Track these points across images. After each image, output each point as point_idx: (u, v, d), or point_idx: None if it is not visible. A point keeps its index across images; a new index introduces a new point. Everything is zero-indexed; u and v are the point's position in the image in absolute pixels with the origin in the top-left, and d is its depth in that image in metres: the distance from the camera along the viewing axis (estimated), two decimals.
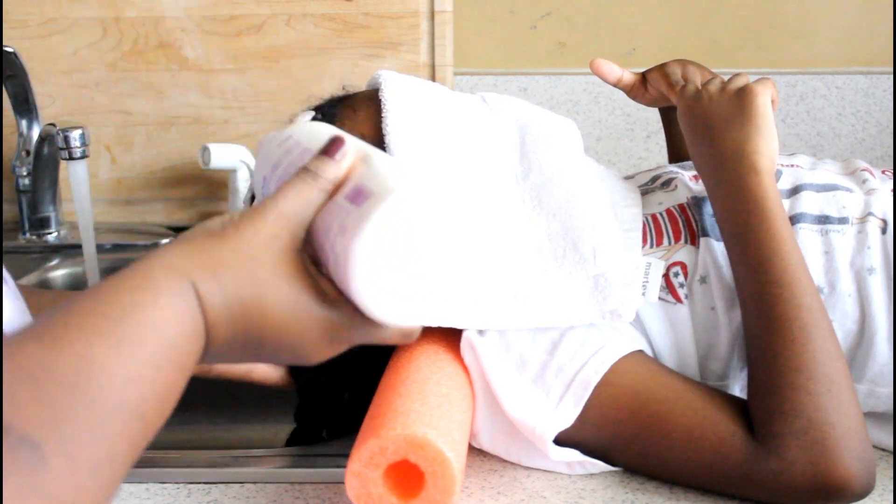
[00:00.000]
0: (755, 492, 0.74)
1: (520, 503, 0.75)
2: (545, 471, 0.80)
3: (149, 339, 0.45)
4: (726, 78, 0.88)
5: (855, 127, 1.43)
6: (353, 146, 0.57)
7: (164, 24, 1.39)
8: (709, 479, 0.76)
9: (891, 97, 1.41)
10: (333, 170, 0.54)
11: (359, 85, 1.01)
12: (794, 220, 0.85)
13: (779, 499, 0.73)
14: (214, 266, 0.50)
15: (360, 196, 0.53)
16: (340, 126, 0.86)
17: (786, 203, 0.87)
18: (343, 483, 0.76)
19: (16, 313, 0.53)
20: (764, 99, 0.84)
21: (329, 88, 1.40)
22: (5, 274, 0.53)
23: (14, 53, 1.23)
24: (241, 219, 0.52)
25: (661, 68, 0.97)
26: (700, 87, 0.87)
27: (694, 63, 0.97)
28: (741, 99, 0.84)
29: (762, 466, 0.73)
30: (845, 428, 0.72)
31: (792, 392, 0.73)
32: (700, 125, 0.85)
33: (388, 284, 0.52)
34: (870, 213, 0.85)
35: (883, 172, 0.93)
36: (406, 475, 0.70)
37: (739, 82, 0.87)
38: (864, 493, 0.72)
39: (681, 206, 0.89)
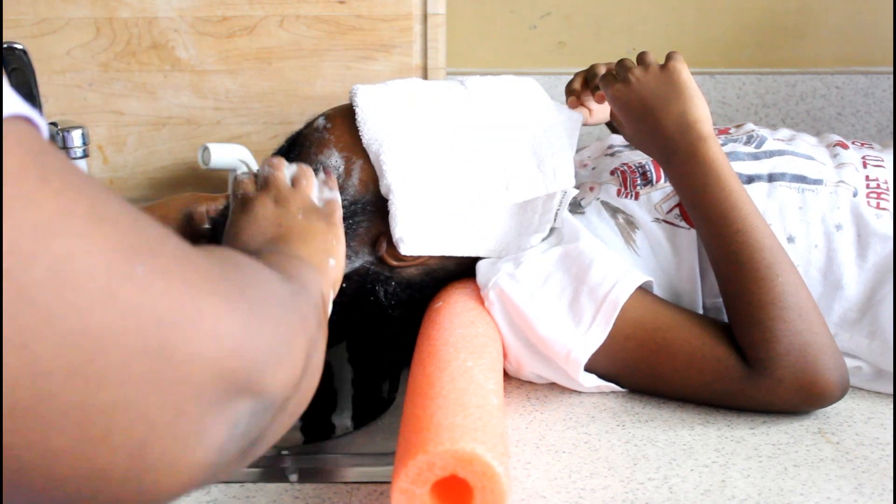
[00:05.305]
0: (751, 404, 0.87)
1: (520, 503, 0.74)
2: (545, 470, 0.78)
3: None
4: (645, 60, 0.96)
5: (855, 127, 1.42)
6: None
7: (157, 25, 1.38)
8: (710, 396, 0.88)
9: (891, 97, 1.41)
10: None
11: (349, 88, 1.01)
12: (774, 177, 0.96)
13: (772, 409, 0.87)
14: None
15: None
16: (322, 148, 0.94)
17: (768, 162, 0.97)
18: (342, 483, 0.78)
19: None
20: (686, 71, 0.93)
21: (321, 90, 1.40)
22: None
23: (23, 50, 1.19)
24: None
25: (583, 72, 1.07)
26: (625, 74, 0.95)
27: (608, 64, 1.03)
28: (668, 76, 0.93)
29: (756, 384, 0.85)
30: (819, 345, 0.84)
31: (770, 322, 0.84)
32: (637, 107, 0.94)
33: None
34: (841, 181, 0.95)
35: (862, 145, 1.02)
36: (451, 491, 0.68)
37: (653, 60, 0.95)
38: (842, 395, 0.85)
39: None
